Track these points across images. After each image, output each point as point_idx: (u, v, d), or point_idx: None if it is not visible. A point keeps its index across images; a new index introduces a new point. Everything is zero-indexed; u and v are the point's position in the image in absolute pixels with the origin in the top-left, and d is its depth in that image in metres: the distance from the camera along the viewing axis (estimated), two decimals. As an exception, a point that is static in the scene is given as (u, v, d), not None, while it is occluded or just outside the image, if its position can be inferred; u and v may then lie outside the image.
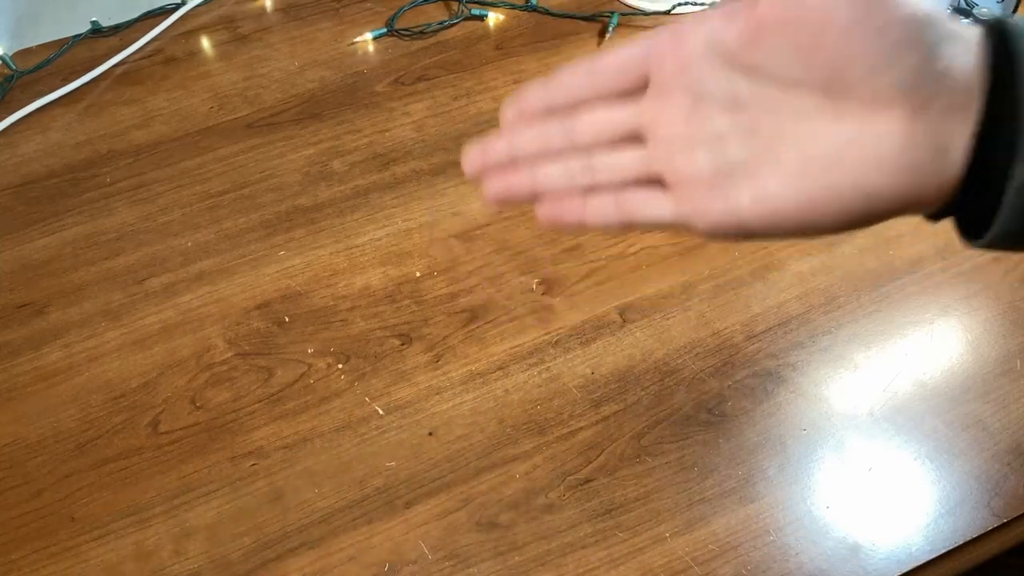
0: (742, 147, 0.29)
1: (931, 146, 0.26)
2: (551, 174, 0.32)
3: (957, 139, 0.26)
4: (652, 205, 0.31)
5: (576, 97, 0.32)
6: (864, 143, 0.26)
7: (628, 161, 0.31)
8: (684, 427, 0.56)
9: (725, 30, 0.28)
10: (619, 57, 0.31)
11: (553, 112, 0.32)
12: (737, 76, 0.28)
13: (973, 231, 0.28)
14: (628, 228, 0.32)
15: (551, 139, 0.32)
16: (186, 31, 0.87)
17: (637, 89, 0.31)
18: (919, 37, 0.25)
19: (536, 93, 0.32)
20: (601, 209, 0.32)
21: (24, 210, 0.72)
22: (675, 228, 0.31)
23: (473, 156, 0.33)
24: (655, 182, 0.31)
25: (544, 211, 0.33)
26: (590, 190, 0.32)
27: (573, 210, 0.32)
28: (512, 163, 0.33)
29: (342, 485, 0.54)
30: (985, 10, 0.74)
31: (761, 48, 0.28)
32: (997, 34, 0.26)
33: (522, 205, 0.34)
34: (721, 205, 0.29)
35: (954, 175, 0.26)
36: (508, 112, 0.33)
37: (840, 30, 0.26)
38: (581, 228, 0.32)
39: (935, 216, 0.28)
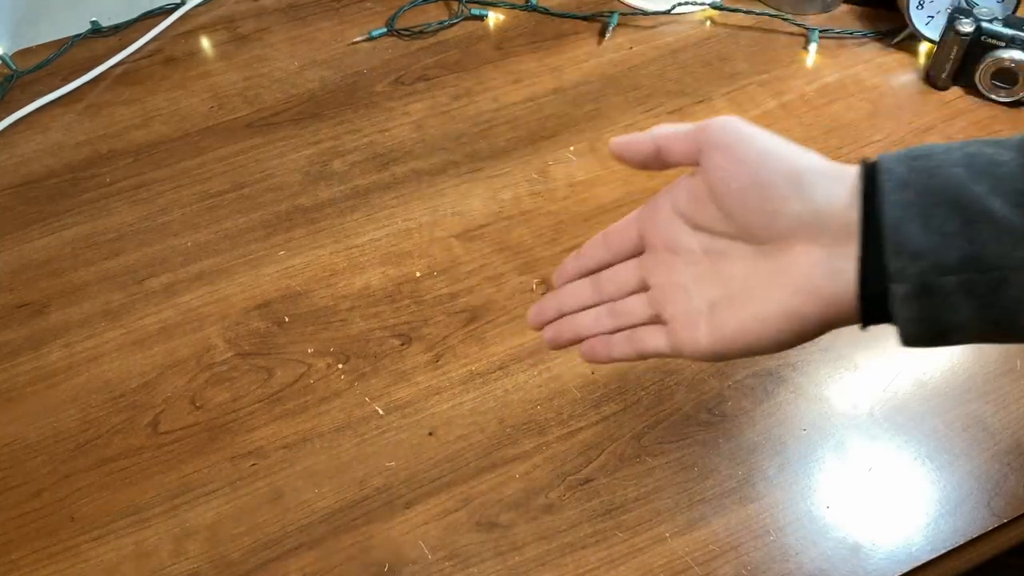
0: (705, 290, 0.36)
1: (828, 271, 0.31)
2: (586, 322, 0.42)
3: (847, 263, 0.31)
4: (653, 340, 0.39)
5: (600, 260, 0.41)
6: (782, 274, 0.33)
7: (637, 306, 0.40)
8: (684, 427, 0.56)
9: (681, 199, 0.37)
10: (621, 225, 0.40)
11: (585, 273, 0.42)
12: (695, 233, 0.37)
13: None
14: (641, 358, 0.40)
15: (585, 295, 0.42)
16: (186, 31, 0.87)
17: (639, 248, 0.40)
18: (797, 188, 0.32)
19: (572, 263, 0.43)
20: (620, 346, 0.40)
21: (24, 210, 0.72)
22: (673, 356, 0.38)
23: (533, 313, 0.44)
24: (657, 321, 0.39)
25: (583, 351, 0.42)
26: (615, 330, 0.41)
27: (602, 349, 0.41)
28: (560, 315, 0.43)
29: (342, 485, 0.54)
30: (985, 10, 0.74)
31: (702, 211, 0.36)
32: (868, 171, 0.31)
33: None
34: (691, 339, 0.37)
35: (853, 293, 0.31)
36: (556, 279, 0.44)
37: (736, 191, 0.33)
38: (609, 361, 0.41)
39: (861, 325, 0.33)
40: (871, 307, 0.31)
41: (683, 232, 0.37)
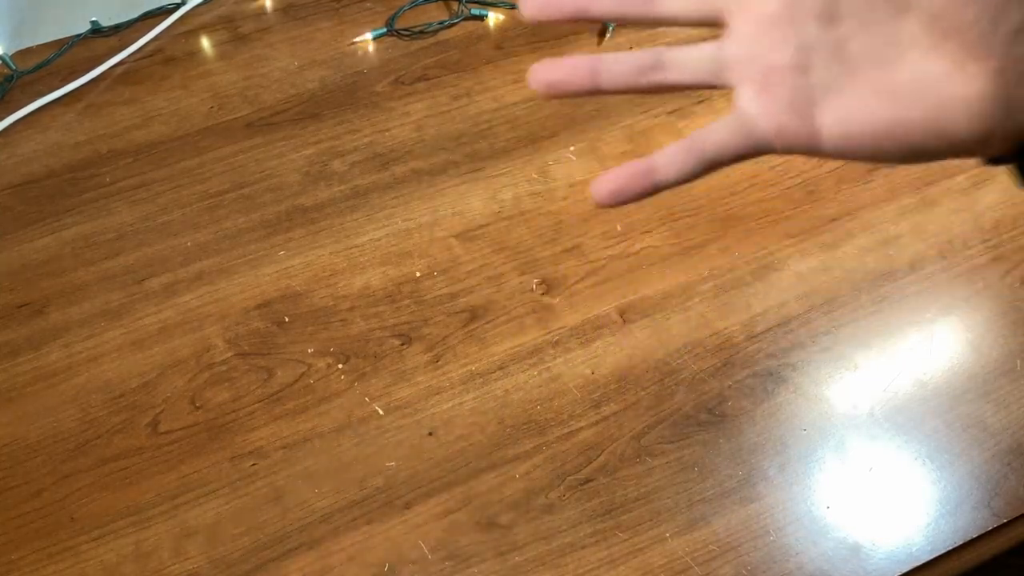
0: (829, 64, 0.28)
1: (1006, 103, 0.26)
2: (617, 69, 0.30)
3: None
4: (725, 132, 0.29)
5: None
6: (950, 82, 0.27)
7: (701, 58, 0.29)
8: (684, 427, 0.56)
9: None
10: None
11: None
12: None
13: None
14: (707, 171, 0.30)
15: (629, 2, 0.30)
16: (186, 31, 0.87)
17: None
18: None
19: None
20: (673, 158, 0.30)
21: (24, 210, 0.72)
22: (750, 154, 0.29)
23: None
24: (721, 88, 0.29)
25: (604, 188, 0.30)
26: (652, 89, 0.30)
27: (641, 176, 0.30)
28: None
29: (342, 485, 0.54)
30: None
31: None
32: None
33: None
34: (798, 122, 0.28)
35: (1020, 132, 0.26)
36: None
37: None
38: (655, 190, 0.30)
39: (995, 161, 0.28)
40: None
41: None
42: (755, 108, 0.29)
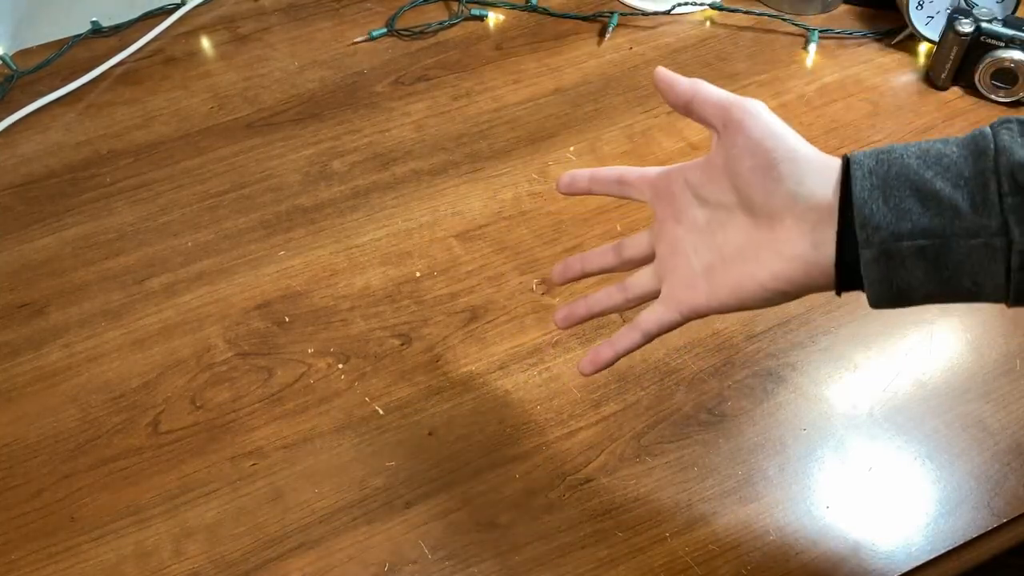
0: (705, 253, 0.42)
1: (812, 242, 0.38)
2: (599, 299, 0.48)
3: (827, 237, 0.37)
4: (653, 316, 0.45)
5: (607, 187, 0.48)
6: (772, 242, 0.39)
7: (644, 278, 0.46)
8: (684, 427, 0.56)
9: (693, 174, 0.43)
10: (639, 175, 0.46)
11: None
12: (701, 205, 0.43)
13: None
14: (648, 340, 0.45)
15: (607, 257, 0.48)
16: (186, 31, 0.87)
17: (647, 200, 0.46)
18: (793, 173, 0.38)
19: (584, 174, 0.48)
20: (625, 337, 0.46)
21: (24, 210, 0.72)
22: (675, 326, 0.44)
23: (558, 270, 0.50)
24: (658, 294, 0.45)
25: (587, 362, 0.47)
26: (624, 304, 0.47)
27: (606, 350, 0.46)
28: (584, 274, 0.50)
29: (342, 485, 0.54)
30: (985, 10, 0.74)
31: (712, 184, 0.42)
32: (845, 163, 0.37)
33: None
34: (689, 298, 0.43)
35: (830, 259, 0.37)
36: (562, 181, 0.49)
37: (747, 170, 0.39)
38: (616, 358, 0.46)
39: (837, 290, 0.39)
40: (845, 275, 0.38)
41: (691, 204, 0.43)
42: (667, 294, 0.44)
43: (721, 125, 0.41)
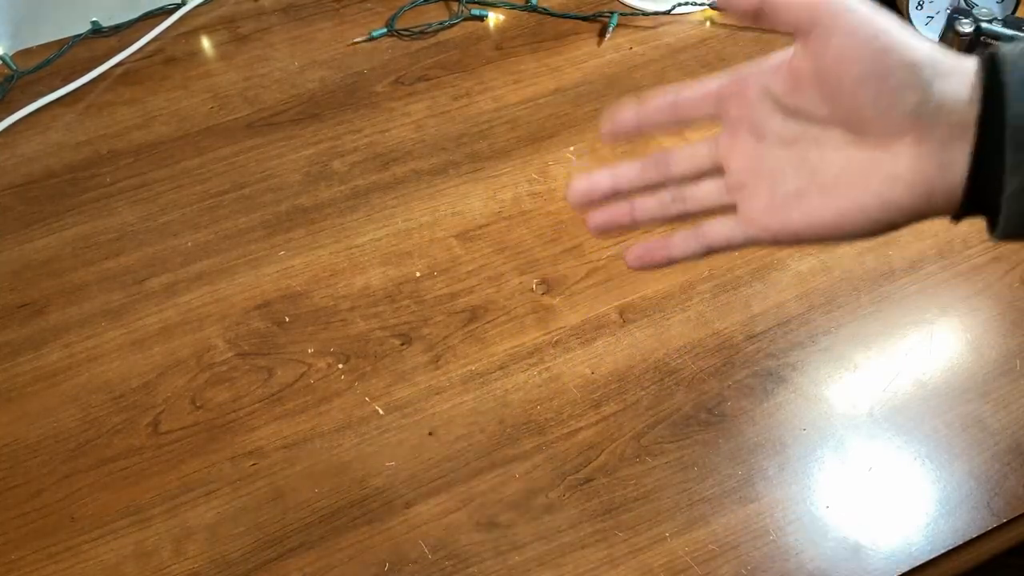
0: (794, 176, 0.35)
1: (936, 163, 0.31)
2: (648, 205, 0.39)
3: (958, 156, 0.31)
4: (725, 230, 0.38)
5: (661, 124, 0.38)
6: (882, 164, 0.33)
7: (710, 191, 0.38)
8: (684, 427, 0.56)
9: (773, 81, 0.35)
10: (696, 95, 0.38)
11: (643, 129, 0.38)
12: (786, 117, 0.35)
13: (992, 225, 0.33)
14: (708, 253, 0.38)
15: (649, 172, 0.39)
16: (186, 31, 0.87)
17: (711, 118, 0.38)
18: (915, 79, 0.31)
19: (630, 114, 0.38)
20: (683, 243, 0.38)
21: (24, 210, 0.72)
22: (746, 246, 0.37)
23: (578, 188, 0.39)
24: (728, 209, 0.38)
25: (635, 255, 0.39)
26: (681, 215, 0.38)
27: (660, 251, 0.38)
28: (614, 193, 0.39)
29: (342, 485, 0.54)
30: (984, 10, 0.74)
31: (799, 95, 0.34)
32: (989, 65, 0.31)
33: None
34: (778, 223, 0.36)
35: (958, 185, 0.32)
36: (607, 129, 0.39)
37: (852, 79, 0.32)
38: (668, 262, 0.38)
39: (955, 218, 0.33)
40: (972, 201, 0.32)
41: (773, 116, 0.35)
42: (746, 215, 0.37)
43: (808, 24, 0.33)
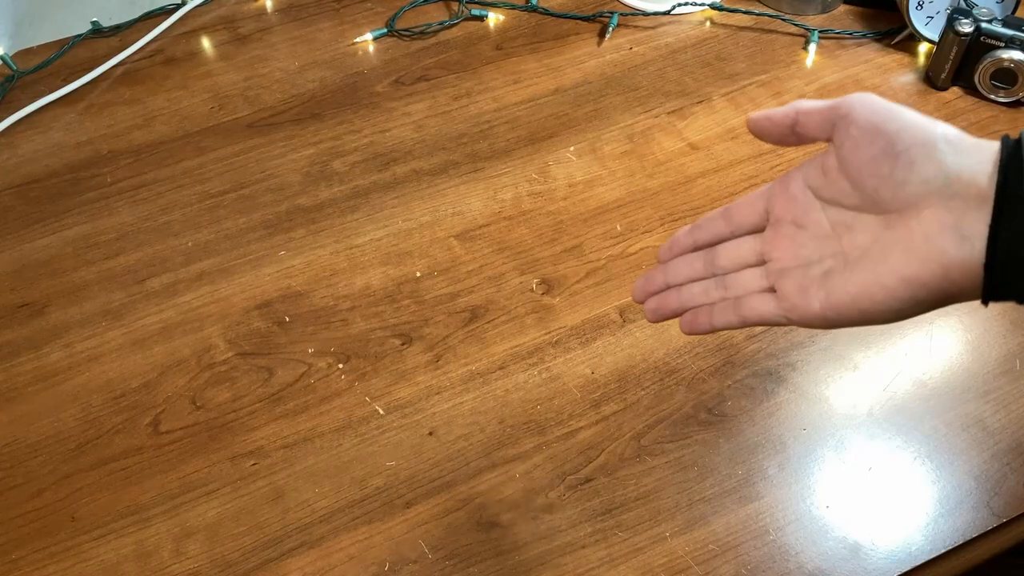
0: (829, 259, 0.37)
1: (955, 237, 0.32)
2: (694, 292, 0.42)
3: (977, 229, 0.31)
4: (762, 306, 0.39)
5: (717, 234, 0.41)
6: (901, 240, 0.33)
7: (752, 278, 0.40)
8: (684, 427, 0.56)
9: (812, 175, 0.38)
10: (748, 200, 0.41)
11: (699, 247, 0.42)
12: (824, 207, 0.37)
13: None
14: (744, 325, 0.40)
15: (696, 268, 0.42)
16: (186, 31, 0.87)
17: (761, 224, 0.41)
18: (931, 153, 0.32)
19: (685, 236, 0.42)
20: (724, 313, 0.41)
21: (25, 210, 0.72)
22: (779, 323, 0.39)
23: (639, 286, 0.43)
24: (768, 291, 0.40)
25: (684, 320, 0.42)
26: (720, 300, 0.41)
27: (705, 318, 0.41)
28: (666, 287, 0.43)
29: (342, 485, 0.54)
30: (984, 10, 0.74)
31: (832, 184, 0.36)
32: (1011, 142, 0.32)
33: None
34: (805, 301, 0.37)
35: (977, 259, 0.31)
36: (664, 252, 0.43)
37: (869, 159, 0.34)
38: (713, 329, 0.41)
39: (983, 299, 0.33)
40: (994, 278, 0.32)
41: (812, 206, 0.38)
42: (782, 295, 0.39)
43: (831, 128, 0.36)
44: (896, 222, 0.34)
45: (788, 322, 0.38)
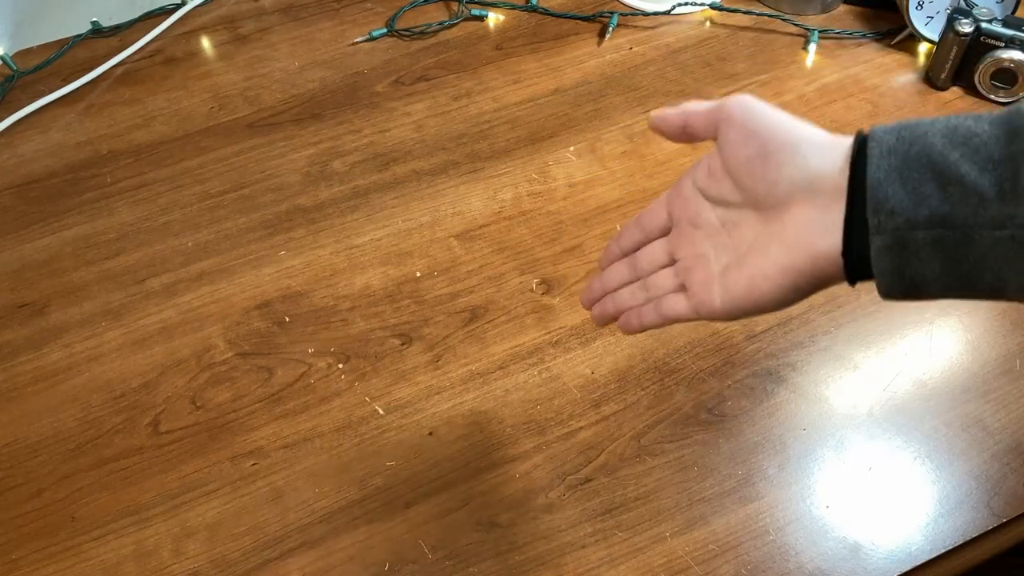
0: (723, 255, 0.40)
1: (820, 228, 0.35)
2: (624, 297, 0.46)
3: (837, 220, 0.35)
4: (676, 306, 0.43)
5: (635, 240, 0.45)
6: (777, 233, 0.37)
7: (666, 279, 0.44)
8: (684, 427, 0.56)
9: (700, 177, 0.41)
10: (652, 207, 0.44)
11: (624, 254, 0.46)
12: (713, 207, 0.41)
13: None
14: (667, 323, 0.43)
15: (623, 274, 0.46)
16: (186, 31, 0.87)
17: (668, 228, 0.44)
18: (794, 155, 0.36)
19: (613, 246, 0.47)
20: (649, 315, 0.44)
21: (24, 210, 0.72)
22: (692, 319, 0.42)
23: (584, 296, 0.48)
24: (682, 289, 0.43)
25: (620, 323, 0.46)
26: (647, 302, 0.45)
27: (635, 319, 0.45)
28: (604, 294, 0.47)
29: (342, 485, 0.54)
30: (984, 10, 0.74)
31: (717, 184, 0.40)
32: (860, 139, 0.35)
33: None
34: (709, 298, 0.41)
35: (837, 248, 0.35)
36: (601, 261, 0.47)
37: (745, 161, 0.38)
38: (643, 328, 0.45)
39: (849, 281, 0.36)
40: (856, 263, 0.35)
41: (703, 206, 0.41)
42: (690, 292, 0.42)
43: (715, 129, 0.39)
44: (773, 218, 0.37)
45: (699, 317, 0.42)
